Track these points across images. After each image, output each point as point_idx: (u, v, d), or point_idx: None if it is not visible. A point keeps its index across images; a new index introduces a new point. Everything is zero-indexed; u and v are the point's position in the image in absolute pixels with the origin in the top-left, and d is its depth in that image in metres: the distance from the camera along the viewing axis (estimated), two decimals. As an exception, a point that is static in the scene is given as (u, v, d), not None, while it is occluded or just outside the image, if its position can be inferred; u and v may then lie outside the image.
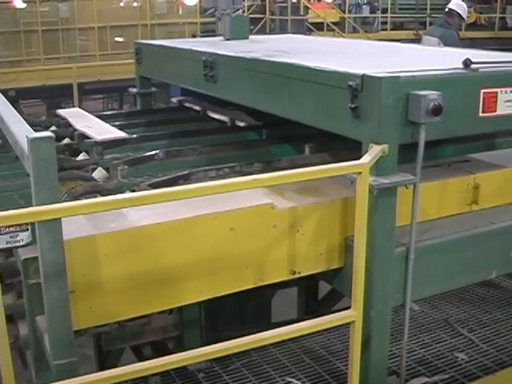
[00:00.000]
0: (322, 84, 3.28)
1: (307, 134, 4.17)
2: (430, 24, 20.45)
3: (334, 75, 3.20)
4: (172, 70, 5.27)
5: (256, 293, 3.40)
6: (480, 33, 21.17)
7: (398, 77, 2.98)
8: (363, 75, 2.99)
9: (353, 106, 3.02)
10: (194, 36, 14.08)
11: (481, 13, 22.92)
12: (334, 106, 3.19)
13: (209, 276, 2.97)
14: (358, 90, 3.00)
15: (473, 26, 22.05)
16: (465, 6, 10.20)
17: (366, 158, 2.81)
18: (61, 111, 5.06)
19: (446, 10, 10.18)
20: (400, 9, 20.56)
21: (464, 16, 10.07)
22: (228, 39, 5.67)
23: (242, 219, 2.96)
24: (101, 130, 4.35)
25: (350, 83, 3.01)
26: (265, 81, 3.84)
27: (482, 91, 3.24)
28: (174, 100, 5.75)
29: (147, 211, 2.85)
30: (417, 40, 17.31)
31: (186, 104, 5.51)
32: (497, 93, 3.30)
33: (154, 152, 3.97)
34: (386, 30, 19.36)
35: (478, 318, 4.51)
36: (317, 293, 5.56)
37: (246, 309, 4.78)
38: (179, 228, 2.87)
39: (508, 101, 3.35)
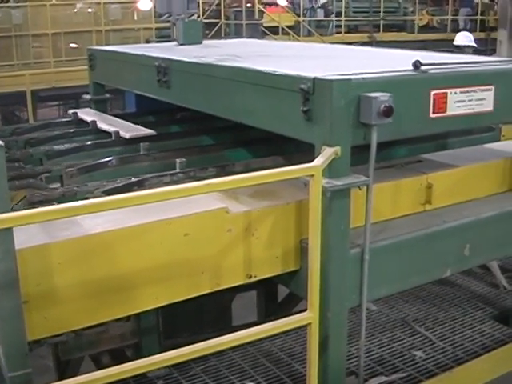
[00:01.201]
0: (274, 88, 3.29)
1: (262, 138, 4.19)
2: (384, 27, 20.75)
3: (285, 79, 3.22)
4: (125, 75, 5.24)
5: (215, 297, 3.40)
6: (432, 35, 21.49)
7: (349, 79, 3.00)
8: (314, 78, 3.01)
9: (305, 109, 3.03)
10: (147, 41, 14.03)
11: (433, 15, 23.25)
12: (287, 109, 3.20)
13: (164, 282, 2.96)
14: (309, 93, 3.01)
15: (425, 28, 22.39)
16: (468, 34, 10.46)
17: (319, 161, 2.83)
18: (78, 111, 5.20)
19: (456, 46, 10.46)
20: (354, 12, 20.77)
21: (473, 43, 10.34)
22: (181, 44, 5.66)
23: (197, 224, 2.96)
24: (126, 128, 4.53)
25: (302, 86, 3.03)
26: (218, 85, 3.84)
27: (432, 92, 3.28)
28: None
29: (101, 218, 2.83)
30: (370, 43, 17.52)
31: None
32: (447, 94, 3.34)
33: (107, 159, 3.95)
34: (340, 33, 19.54)
35: (434, 316, 4.56)
36: (276, 295, 5.57)
37: (206, 314, 4.77)
38: (133, 235, 2.85)
39: (458, 101, 3.40)
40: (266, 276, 3.26)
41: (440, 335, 4.29)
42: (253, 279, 3.19)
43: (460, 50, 10.27)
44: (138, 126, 4.59)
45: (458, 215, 3.73)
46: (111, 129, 4.57)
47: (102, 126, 4.74)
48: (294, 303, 5.28)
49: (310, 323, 2.96)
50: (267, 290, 5.48)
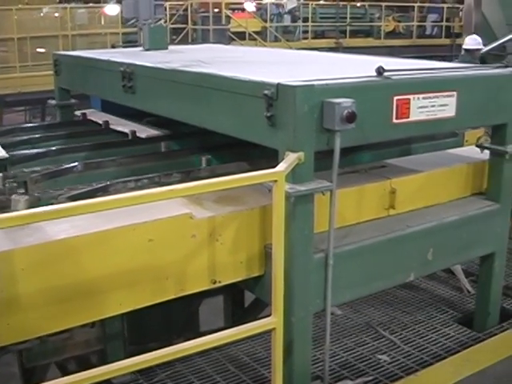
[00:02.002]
0: (238, 93, 3.31)
1: (227, 144, 4.20)
2: (351, 32, 20.90)
3: (249, 84, 3.23)
4: (91, 81, 5.22)
5: (182, 302, 3.40)
6: (398, 41, 21.71)
7: (313, 85, 3.02)
8: (278, 84, 3.02)
9: (268, 114, 3.05)
10: (113, 46, 13.98)
11: (399, 21, 23.47)
12: (250, 115, 3.22)
13: (129, 288, 2.95)
14: (273, 98, 3.03)
15: (391, 34, 22.60)
16: (476, 37, 10.61)
17: (282, 166, 2.84)
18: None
19: (463, 51, 10.65)
20: (321, 18, 20.90)
21: (481, 46, 10.51)
22: (147, 49, 5.65)
23: (161, 230, 2.95)
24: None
25: (266, 92, 3.04)
26: (182, 91, 3.84)
27: (395, 98, 3.32)
28: (77, 113, 5.64)
29: (65, 224, 2.82)
30: (337, 48, 17.64)
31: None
32: (409, 99, 3.38)
33: (72, 164, 3.93)
34: (307, 38, 19.62)
35: (399, 319, 4.60)
36: (243, 301, 5.57)
37: (174, 319, 4.75)
38: (97, 240, 2.84)
39: (421, 107, 3.44)
40: (231, 281, 3.26)
41: (405, 339, 4.32)
42: (217, 284, 3.19)
43: (470, 53, 10.42)
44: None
45: (421, 220, 3.77)
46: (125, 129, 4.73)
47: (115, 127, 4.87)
48: (260, 308, 5.28)
49: (274, 328, 2.97)
50: (234, 295, 5.49)
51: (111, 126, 4.95)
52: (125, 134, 4.73)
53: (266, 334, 3.69)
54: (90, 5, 17.73)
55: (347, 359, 4.06)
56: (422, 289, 5.11)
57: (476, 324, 4.41)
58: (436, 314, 4.68)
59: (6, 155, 4.11)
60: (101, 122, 5.06)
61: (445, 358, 4.03)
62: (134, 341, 4.14)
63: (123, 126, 4.87)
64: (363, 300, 4.77)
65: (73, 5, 17.61)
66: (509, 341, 4.13)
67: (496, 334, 4.25)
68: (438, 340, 4.30)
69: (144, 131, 4.67)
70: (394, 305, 4.84)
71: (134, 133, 4.66)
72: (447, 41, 22.55)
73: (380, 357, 4.09)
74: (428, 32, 23.91)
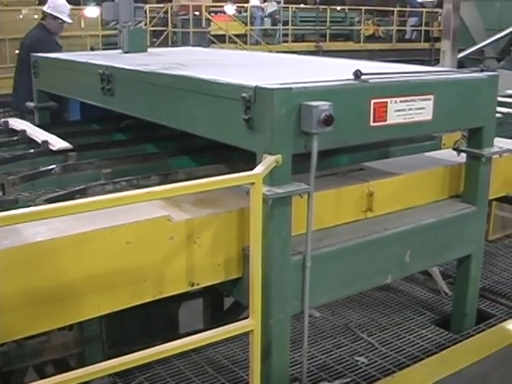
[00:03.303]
0: (216, 96, 3.31)
1: (206, 146, 4.20)
2: (331, 36, 20.98)
3: (227, 87, 3.24)
4: (69, 83, 5.21)
5: (161, 305, 3.40)
6: (378, 45, 21.83)
7: (290, 88, 3.03)
8: (256, 87, 3.03)
9: (246, 117, 3.06)
10: (92, 49, 13.95)
11: (379, 25, 23.60)
12: (228, 117, 3.23)
13: (107, 290, 2.94)
14: (251, 101, 3.04)
15: (371, 38, 22.74)
16: None
17: (259, 169, 2.85)
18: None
19: None
20: (301, 21, 20.98)
21: None
22: (126, 52, 5.64)
23: (139, 232, 2.95)
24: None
25: (243, 95, 3.05)
26: (161, 94, 3.84)
27: (373, 101, 3.34)
28: None
29: (42, 227, 2.81)
30: (317, 52, 17.69)
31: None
32: (387, 103, 3.41)
33: (50, 167, 3.92)
34: (287, 42, 19.68)
35: (377, 321, 4.62)
36: (222, 303, 5.57)
37: (153, 322, 4.75)
38: (75, 243, 2.83)
39: (398, 110, 3.46)
40: (209, 284, 3.26)
41: (382, 341, 4.34)
42: (195, 287, 3.20)
43: None
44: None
45: (398, 222, 3.80)
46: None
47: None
48: (240, 311, 5.28)
49: (252, 330, 2.98)
50: (213, 297, 5.49)
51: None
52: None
53: (245, 337, 3.70)
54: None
55: (325, 361, 4.07)
56: (400, 291, 5.14)
57: (453, 326, 4.44)
58: (413, 316, 4.71)
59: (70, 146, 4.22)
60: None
61: (422, 359, 4.05)
62: (112, 344, 4.13)
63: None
64: (341, 302, 4.79)
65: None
66: (485, 342, 4.15)
67: (473, 336, 4.28)
68: (416, 342, 4.32)
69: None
70: (372, 307, 4.86)
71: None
72: (426, 45, 22.69)
73: (358, 358, 4.11)
74: (407, 36, 24.06)
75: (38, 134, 4.68)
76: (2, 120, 5.28)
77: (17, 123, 5.09)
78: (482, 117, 3.96)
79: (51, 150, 4.40)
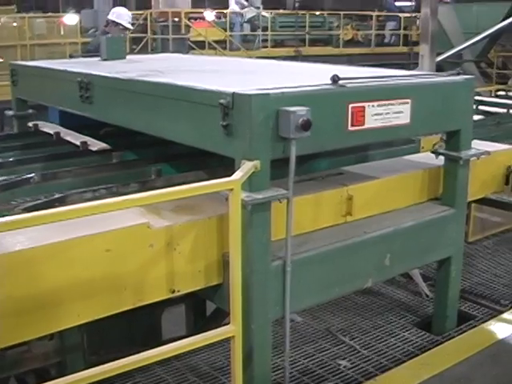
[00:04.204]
0: (194, 103, 3.31)
1: (186, 153, 4.20)
2: (310, 41, 21.04)
3: (205, 94, 3.24)
4: (48, 91, 5.19)
5: (143, 312, 3.39)
6: (357, 49, 21.91)
7: (268, 94, 3.05)
8: (234, 93, 3.04)
9: (224, 123, 3.06)
10: (71, 56, 13.90)
11: (358, 30, 23.68)
12: (207, 124, 3.23)
13: (87, 299, 2.93)
14: (229, 107, 3.04)
15: (350, 42, 22.80)
16: None
17: (238, 175, 2.86)
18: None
19: None
20: (280, 27, 20.99)
21: None
22: (105, 59, 5.63)
23: (118, 240, 2.94)
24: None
25: (221, 101, 3.06)
26: (139, 101, 3.84)
27: (350, 106, 3.36)
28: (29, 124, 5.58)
29: (21, 236, 2.80)
30: (296, 57, 17.73)
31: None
32: (364, 107, 3.42)
33: (29, 175, 3.90)
34: (266, 47, 19.70)
35: (359, 325, 4.64)
36: (205, 309, 5.56)
37: (135, 329, 4.73)
38: (54, 252, 2.82)
39: (375, 114, 3.48)
40: (189, 290, 3.25)
41: (364, 344, 4.36)
42: (176, 294, 3.19)
43: None
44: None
45: (378, 226, 3.82)
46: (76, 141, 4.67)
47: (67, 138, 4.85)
48: (222, 316, 5.27)
49: (233, 336, 2.98)
50: (195, 303, 5.48)
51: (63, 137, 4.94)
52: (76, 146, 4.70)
53: (227, 342, 3.70)
54: (49, 14, 17.62)
55: (307, 365, 4.09)
56: (381, 294, 5.16)
57: (434, 327, 4.47)
58: (395, 319, 4.74)
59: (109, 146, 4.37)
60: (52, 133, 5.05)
61: (404, 361, 4.07)
62: (94, 352, 4.11)
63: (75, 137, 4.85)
64: (323, 306, 4.81)
65: (31, 14, 17.50)
66: (466, 343, 4.18)
67: (454, 337, 4.31)
68: (397, 344, 4.35)
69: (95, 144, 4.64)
70: (354, 310, 4.88)
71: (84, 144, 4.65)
72: (405, 49, 22.79)
73: (340, 362, 4.13)
74: (386, 40, 24.16)
75: (71, 136, 4.86)
76: (32, 123, 5.45)
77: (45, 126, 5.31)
78: (459, 120, 3.99)
79: (91, 150, 4.55)
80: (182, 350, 2.95)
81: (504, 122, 7.13)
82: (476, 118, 6.34)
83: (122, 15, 9.22)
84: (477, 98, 7.31)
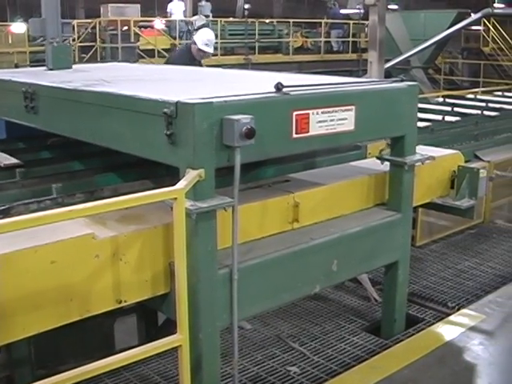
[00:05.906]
0: (138, 112, 3.31)
1: (133, 162, 4.19)
2: (260, 49, 21.12)
3: (148, 103, 3.24)
4: (-7, 102, 5.13)
5: (94, 323, 3.36)
6: (307, 56, 22.06)
7: (211, 102, 3.06)
8: (177, 102, 3.04)
9: (168, 132, 3.07)
10: (16, 66, 13.75)
11: (307, 37, 23.84)
12: (151, 133, 3.23)
13: (32, 311, 2.90)
14: (172, 116, 3.05)
15: (300, 49, 22.94)
16: None
17: (181, 184, 2.86)
18: None
19: None
20: (230, 35, 21.02)
21: None
22: (51, 69, 5.58)
23: (63, 251, 2.92)
24: None
25: (165, 110, 3.06)
26: (84, 111, 3.82)
27: (295, 113, 3.39)
28: None
29: (-36, 249, 2.76)
30: (247, 64, 17.78)
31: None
32: (309, 114, 3.46)
33: None
34: (216, 55, 19.69)
35: (308, 331, 4.67)
36: (156, 319, 5.54)
37: (86, 340, 4.69)
38: (-2, 264, 2.79)
39: (320, 121, 3.52)
40: (137, 300, 3.25)
41: (314, 350, 4.39)
42: (123, 304, 3.17)
43: None
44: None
45: (325, 232, 3.85)
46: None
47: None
48: (173, 326, 5.25)
49: (180, 345, 2.99)
50: (147, 313, 5.45)
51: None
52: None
53: (176, 352, 3.69)
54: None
55: (257, 373, 4.10)
56: (330, 299, 5.20)
57: (383, 331, 4.53)
58: (344, 324, 4.78)
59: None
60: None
61: (353, 366, 4.11)
62: (43, 365, 4.06)
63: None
64: (272, 313, 4.83)
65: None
66: (414, 346, 4.24)
67: (402, 340, 4.37)
68: (347, 349, 4.39)
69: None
70: (303, 316, 4.91)
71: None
72: (354, 56, 23.02)
73: (290, 369, 4.15)
74: (335, 48, 24.36)
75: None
76: None
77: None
78: (403, 126, 4.06)
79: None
80: (130, 360, 2.93)
81: (437, 129, 7.27)
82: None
83: (204, 41, 8.54)
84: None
